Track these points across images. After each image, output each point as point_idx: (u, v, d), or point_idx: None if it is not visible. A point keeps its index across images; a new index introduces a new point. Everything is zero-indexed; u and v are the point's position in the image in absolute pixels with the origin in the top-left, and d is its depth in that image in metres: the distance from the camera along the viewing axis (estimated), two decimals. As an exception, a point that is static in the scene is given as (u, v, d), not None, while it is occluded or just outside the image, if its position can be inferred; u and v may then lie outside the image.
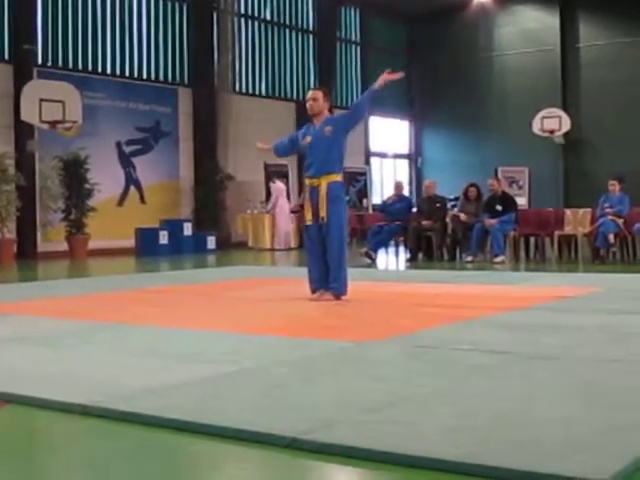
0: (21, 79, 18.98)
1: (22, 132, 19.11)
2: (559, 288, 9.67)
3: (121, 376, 4.75)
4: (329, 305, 8.28)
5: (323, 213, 8.64)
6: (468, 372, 4.68)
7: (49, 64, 20.43)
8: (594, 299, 8.38)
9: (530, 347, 5.49)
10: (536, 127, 26.07)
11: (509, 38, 29.93)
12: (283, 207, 21.96)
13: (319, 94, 8.92)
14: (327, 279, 8.72)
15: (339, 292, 8.66)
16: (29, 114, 18.10)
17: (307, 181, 8.88)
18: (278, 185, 22.39)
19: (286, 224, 22.00)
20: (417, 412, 3.79)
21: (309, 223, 8.85)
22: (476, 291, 9.61)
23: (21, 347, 5.87)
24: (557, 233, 15.42)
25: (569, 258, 15.48)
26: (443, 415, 3.71)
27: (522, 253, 15.85)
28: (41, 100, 18.09)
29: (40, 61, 20.14)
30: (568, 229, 15.53)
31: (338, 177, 8.83)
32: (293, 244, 22.25)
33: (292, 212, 22.06)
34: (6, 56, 19.64)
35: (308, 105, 8.99)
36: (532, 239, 16.17)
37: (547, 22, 29.21)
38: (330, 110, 9.27)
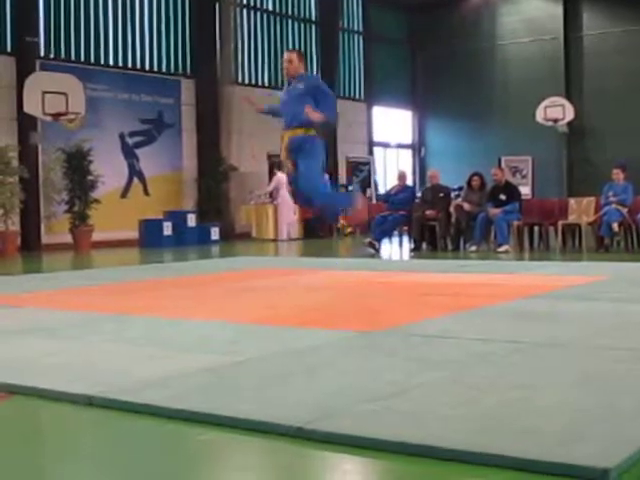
0: (24, 71, 18.97)
1: (25, 124, 19.11)
2: (563, 277, 9.67)
3: (126, 367, 4.76)
4: (333, 295, 8.29)
5: (289, 165, 8.94)
6: (471, 361, 4.68)
7: (52, 56, 20.44)
8: (598, 288, 8.38)
9: (534, 335, 5.49)
10: (539, 116, 26.03)
11: (512, 27, 29.87)
12: (285, 198, 21.97)
13: (293, 55, 9.22)
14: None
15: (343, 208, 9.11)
16: (32, 106, 18.10)
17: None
18: (279, 176, 22.41)
19: (289, 215, 22.03)
20: (421, 401, 3.80)
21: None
22: (480, 280, 9.62)
23: (26, 339, 5.88)
24: (561, 222, 15.41)
25: (573, 247, 15.48)
26: (446, 404, 3.71)
27: (526, 242, 15.85)
28: (44, 92, 18.08)
29: (42, 53, 20.15)
30: (572, 218, 15.52)
31: (307, 131, 8.91)
32: (296, 235, 22.28)
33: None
34: (8, 48, 19.64)
35: (284, 67, 9.26)
36: (536, 228, 16.17)
37: (550, 11, 29.15)
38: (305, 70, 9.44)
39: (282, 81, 26.46)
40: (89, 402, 4.00)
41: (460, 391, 3.98)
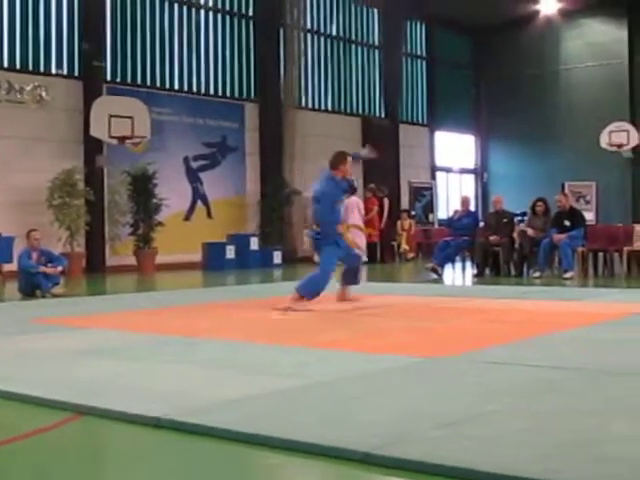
0: (91, 95, 19.26)
1: (91, 147, 19.38)
2: (629, 304, 9.55)
3: (193, 389, 4.79)
4: (397, 320, 8.26)
5: None
6: (540, 388, 4.64)
7: (118, 80, 20.71)
8: (666, 315, 8.26)
9: (602, 363, 5.43)
10: (604, 141, 25.77)
11: (576, 51, 29.66)
12: (354, 221, 21.94)
13: None
14: None
15: None
16: (98, 130, 18.34)
17: None
18: (350, 200, 22.42)
19: (358, 239, 21.95)
20: (489, 428, 3.77)
21: None
22: (545, 307, 9.53)
23: (94, 360, 5.94)
24: (626, 249, 15.22)
25: (639, 274, 15.27)
26: (516, 431, 3.68)
27: (591, 269, 15.66)
28: (110, 116, 18.31)
29: (109, 77, 20.43)
30: (638, 245, 15.32)
31: None
32: (364, 259, 22.19)
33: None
34: (76, 72, 19.95)
35: None
36: (600, 255, 15.97)
37: (614, 35, 28.89)
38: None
39: (345, 106, 26.57)
40: (157, 424, 4.03)
41: (530, 418, 3.94)
